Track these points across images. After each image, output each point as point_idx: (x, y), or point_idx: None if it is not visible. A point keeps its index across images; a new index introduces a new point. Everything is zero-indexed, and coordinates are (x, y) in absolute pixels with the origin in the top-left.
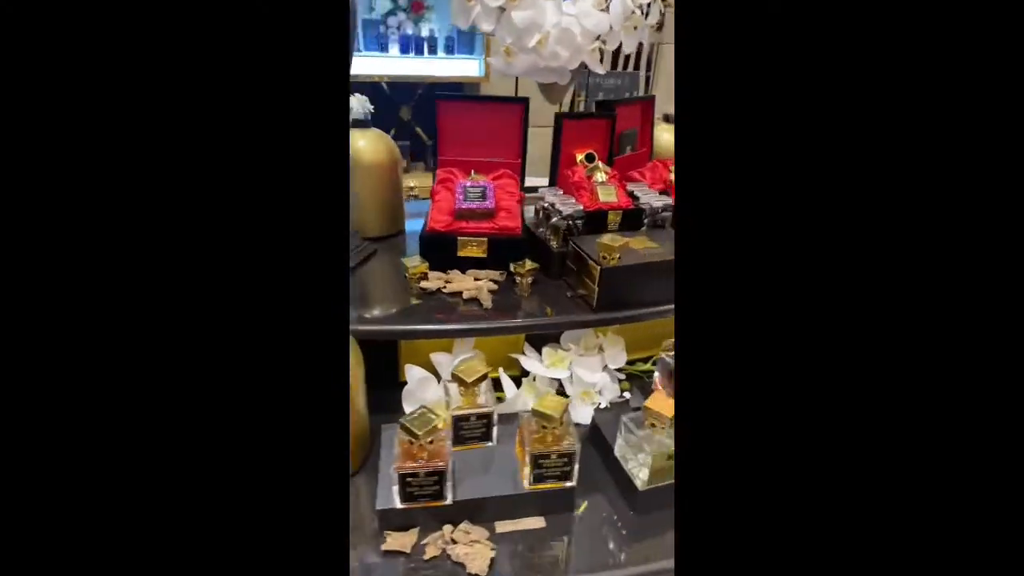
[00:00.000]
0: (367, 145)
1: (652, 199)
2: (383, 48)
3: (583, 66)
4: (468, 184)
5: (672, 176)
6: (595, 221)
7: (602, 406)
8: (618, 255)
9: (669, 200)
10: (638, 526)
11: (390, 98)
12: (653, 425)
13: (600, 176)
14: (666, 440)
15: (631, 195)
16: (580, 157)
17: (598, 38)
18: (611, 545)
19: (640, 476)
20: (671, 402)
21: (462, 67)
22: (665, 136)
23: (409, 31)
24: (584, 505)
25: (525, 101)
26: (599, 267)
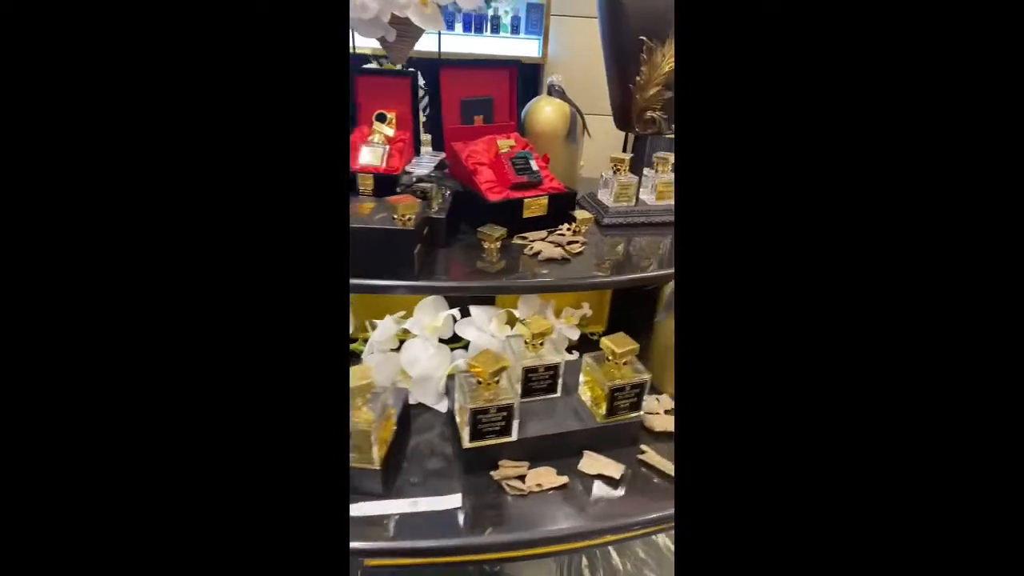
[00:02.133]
0: None
1: (422, 168)
2: (449, 26)
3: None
4: None
5: (503, 149)
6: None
7: None
8: None
9: (430, 171)
10: None
11: None
12: None
13: (376, 137)
14: None
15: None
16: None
17: None
18: None
19: None
20: None
21: (522, 47)
22: (547, 110)
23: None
24: None
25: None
26: None
